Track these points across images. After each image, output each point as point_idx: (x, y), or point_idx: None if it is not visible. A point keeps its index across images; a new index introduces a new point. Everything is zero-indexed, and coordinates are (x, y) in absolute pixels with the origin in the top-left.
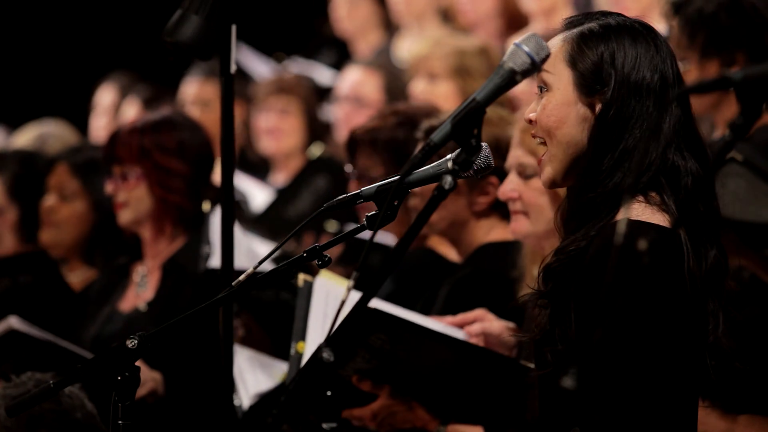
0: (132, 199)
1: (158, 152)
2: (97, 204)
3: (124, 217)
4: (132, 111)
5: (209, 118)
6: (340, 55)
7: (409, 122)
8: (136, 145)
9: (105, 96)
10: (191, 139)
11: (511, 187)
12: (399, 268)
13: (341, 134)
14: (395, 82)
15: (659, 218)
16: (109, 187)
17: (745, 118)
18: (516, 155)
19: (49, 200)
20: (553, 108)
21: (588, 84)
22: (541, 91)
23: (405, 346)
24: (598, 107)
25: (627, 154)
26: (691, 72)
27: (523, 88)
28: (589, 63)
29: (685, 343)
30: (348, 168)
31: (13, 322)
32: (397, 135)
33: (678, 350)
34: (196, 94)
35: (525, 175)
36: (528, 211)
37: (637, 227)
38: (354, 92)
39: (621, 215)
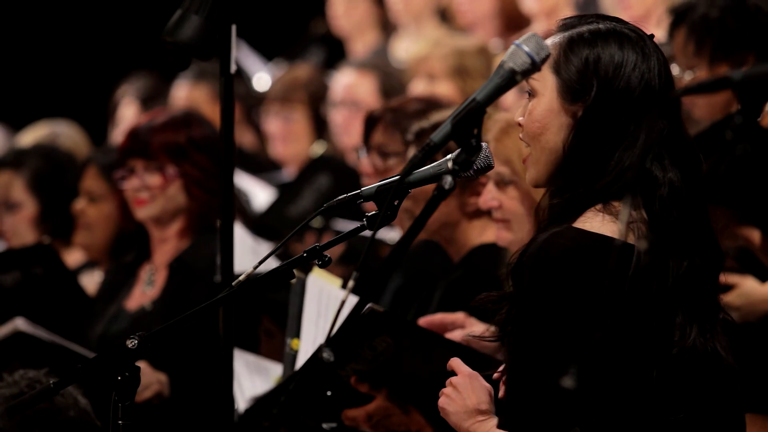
0: (162, 195)
1: (193, 149)
2: (124, 203)
3: (146, 212)
4: (130, 111)
5: None
6: (329, 54)
7: (432, 104)
8: (173, 142)
9: (127, 110)
10: (214, 136)
11: (491, 196)
12: (406, 263)
13: (341, 140)
14: (390, 82)
15: (609, 228)
16: (132, 182)
17: (745, 118)
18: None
19: (80, 203)
20: (537, 114)
21: (571, 91)
22: (529, 96)
23: (410, 350)
24: (580, 114)
25: (600, 161)
26: (700, 79)
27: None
28: (573, 71)
29: (609, 347)
30: (359, 147)
31: (20, 323)
32: (419, 108)
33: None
34: (187, 97)
35: (502, 183)
36: (509, 219)
37: (559, 234)
38: (349, 96)
39: (581, 221)
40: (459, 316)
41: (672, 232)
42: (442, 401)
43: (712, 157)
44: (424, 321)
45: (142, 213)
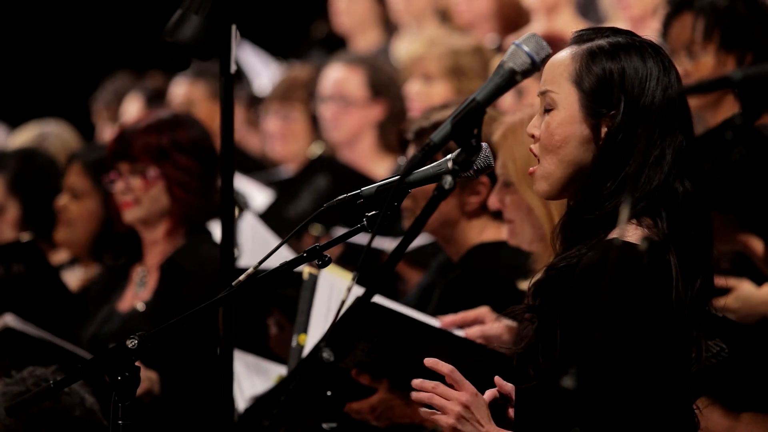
0: (146, 197)
1: (176, 151)
2: (108, 201)
3: (133, 215)
4: (134, 108)
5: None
6: (332, 56)
7: None
8: (155, 144)
9: (132, 106)
10: (202, 138)
11: (497, 197)
12: (438, 265)
13: (330, 135)
14: (379, 77)
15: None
16: (118, 185)
17: (746, 118)
18: (499, 164)
19: (62, 199)
20: (556, 127)
21: (594, 105)
22: (545, 112)
23: (404, 341)
24: (604, 130)
25: (629, 180)
26: (702, 66)
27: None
28: (596, 84)
29: (669, 356)
30: (402, 161)
31: (9, 319)
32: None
33: (663, 360)
34: (185, 95)
35: (506, 183)
36: (513, 219)
37: (612, 246)
38: (338, 91)
39: (614, 234)
40: (481, 311)
41: (690, 247)
42: (457, 425)
43: (709, 161)
44: (446, 322)
45: (129, 216)
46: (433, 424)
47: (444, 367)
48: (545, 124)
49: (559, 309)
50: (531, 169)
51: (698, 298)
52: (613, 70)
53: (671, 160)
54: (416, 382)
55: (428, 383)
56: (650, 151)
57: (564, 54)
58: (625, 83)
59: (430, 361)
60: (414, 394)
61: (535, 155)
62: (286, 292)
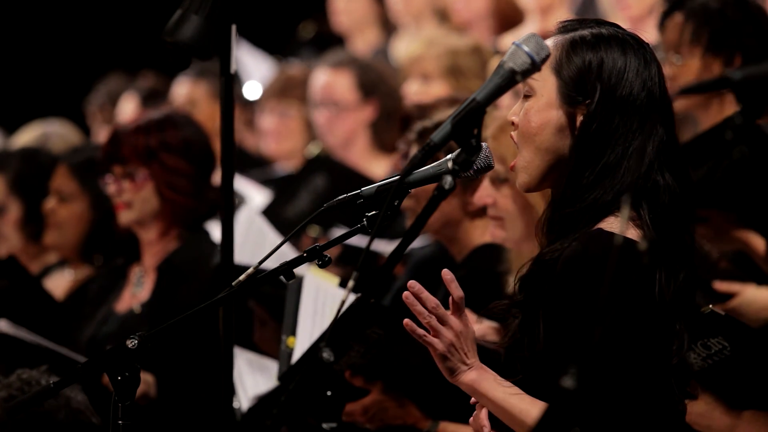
0: (137, 199)
1: (165, 152)
2: (96, 203)
3: (127, 217)
4: (129, 108)
5: (197, 118)
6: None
7: None
8: (143, 145)
9: (126, 107)
10: (194, 138)
11: (486, 193)
12: (414, 264)
13: (324, 140)
14: (367, 75)
15: (631, 233)
16: (111, 188)
17: (745, 118)
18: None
19: (50, 202)
20: (534, 113)
21: (571, 93)
22: (525, 98)
23: (401, 342)
24: (580, 118)
25: (608, 170)
26: (688, 68)
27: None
28: (574, 72)
29: (649, 353)
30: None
31: (2, 324)
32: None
33: (647, 352)
34: (187, 95)
35: (497, 181)
36: (502, 216)
37: (597, 237)
38: (328, 96)
39: (605, 226)
40: None
41: (673, 239)
42: (446, 353)
43: (710, 160)
44: None
45: (123, 218)
46: (426, 425)
47: (457, 290)
48: (524, 111)
49: (541, 302)
50: (512, 162)
51: (681, 291)
52: (592, 60)
53: (652, 152)
54: (415, 284)
55: (432, 300)
56: (629, 143)
57: (548, 42)
58: (602, 73)
59: (448, 275)
60: (407, 298)
61: (515, 143)
62: (264, 288)
